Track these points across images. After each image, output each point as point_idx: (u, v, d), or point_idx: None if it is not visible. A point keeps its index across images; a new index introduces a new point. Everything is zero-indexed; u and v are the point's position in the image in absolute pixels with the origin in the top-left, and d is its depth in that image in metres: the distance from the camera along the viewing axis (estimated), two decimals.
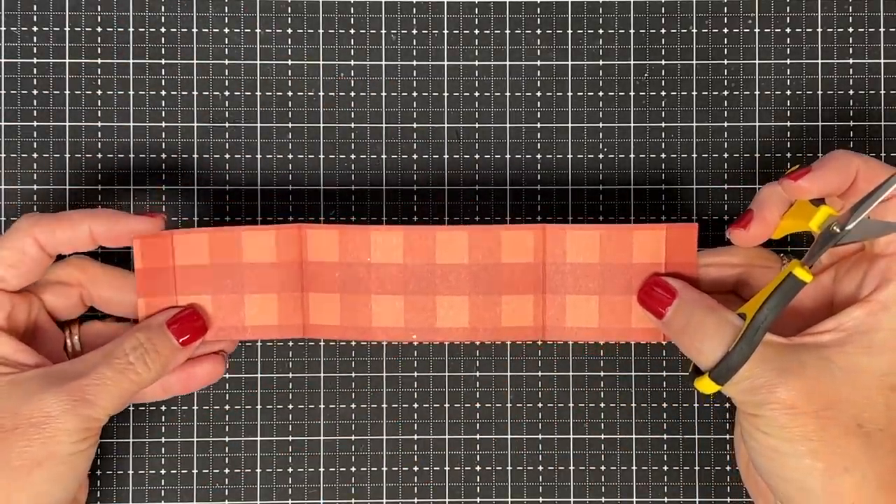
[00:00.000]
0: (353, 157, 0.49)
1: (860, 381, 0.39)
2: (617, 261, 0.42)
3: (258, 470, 0.49)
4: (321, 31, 0.49)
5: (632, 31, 0.49)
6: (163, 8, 0.49)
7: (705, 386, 0.40)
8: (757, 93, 0.49)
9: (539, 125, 0.49)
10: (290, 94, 0.49)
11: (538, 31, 0.49)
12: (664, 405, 0.49)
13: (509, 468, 0.49)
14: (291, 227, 0.42)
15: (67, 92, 0.49)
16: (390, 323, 0.42)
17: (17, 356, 0.41)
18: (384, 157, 0.49)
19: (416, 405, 0.49)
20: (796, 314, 0.43)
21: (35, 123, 0.49)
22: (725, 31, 0.49)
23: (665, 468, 0.49)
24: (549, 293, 0.42)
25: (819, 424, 0.38)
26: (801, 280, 0.39)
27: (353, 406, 0.49)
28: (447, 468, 0.49)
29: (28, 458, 0.38)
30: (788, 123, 0.49)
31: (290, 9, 0.49)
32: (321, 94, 0.49)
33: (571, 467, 0.49)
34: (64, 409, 0.39)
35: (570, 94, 0.49)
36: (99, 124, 0.49)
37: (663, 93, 0.49)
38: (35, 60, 0.49)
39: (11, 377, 0.40)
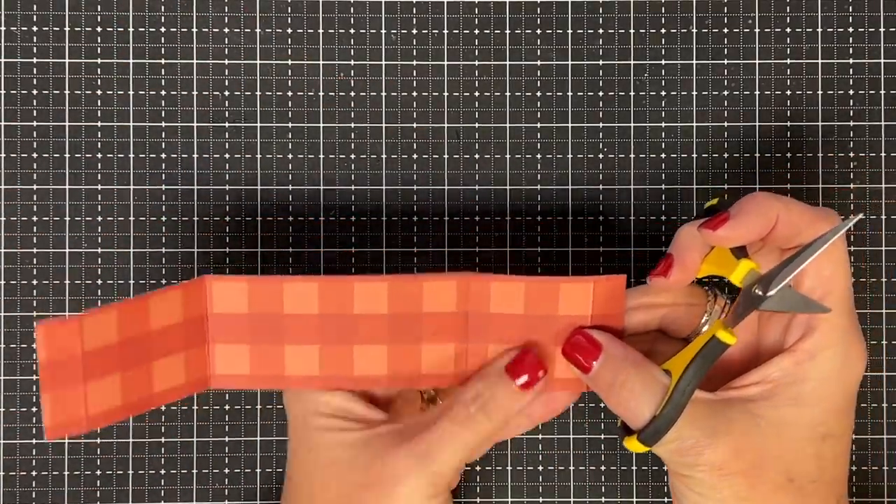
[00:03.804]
0: (353, 157, 0.49)
1: (789, 435, 0.39)
2: (542, 312, 0.41)
3: (258, 470, 0.49)
4: (321, 31, 0.49)
5: (632, 31, 0.49)
6: (163, 8, 0.49)
7: (634, 446, 0.39)
8: (757, 93, 0.49)
9: (539, 125, 0.49)
10: (290, 94, 0.49)
11: (538, 31, 0.49)
12: None
13: (509, 468, 0.49)
14: (197, 282, 0.40)
15: (67, 92, 0.49)
16: (304, 371, 0.41)
17: (369, 414, 0.41)
18: (384, 157, 0.49)
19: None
20: (723, 362, 0.42)
21: (35, 123, 0.49)
22: (725, 31, 0.49)
23: (665, 468, 0.49)
24: (472, 342, 0.41)
25: (749, 483, 0.38)
26: (725, 343, 0.38)
27: None
28: None
29: None
30: (788, 123, 0.49)
31: (290, 9, 0.49)
32: (321, 94, 0.49)
33: (571, 467, 0.49)
34: (409, 468, 0.39)
35: (570, 94, 0.49)
36: (99, 124, 0.49)
37: (663, 93, 0.49)
38: (35, 60, 0.49)
39: (365, 432, 0.40)
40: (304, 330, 0.40)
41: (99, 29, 0.49)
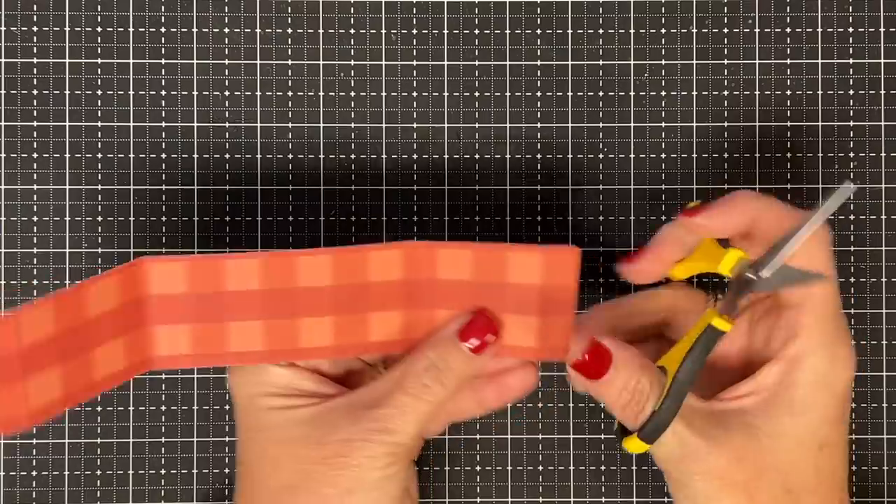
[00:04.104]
0: (353, 157, 0.49)
1: (786, 445, 0.39)
2: (490, 280, 0.40)
3: None
4: (321, 31, 0.49)
5: (632, 31, 0.49)
6: (163, 8, 0.49)
7: (635, 446, 0.39)
8: (757, 93, 0.49)
9: (539, 125, 0.49)
10: (290, 94, 0.49)
11: (538, 31, 0.49)
12: None
13: (509, 468, 0.49)
14: (133, 265, 0.39)
15: (67, 92, 0.49)
16: (248, 347, 0.40)
17: (319, 388, 0.41)
18: (384, 157, 0.49)
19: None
20: (719, 369, 0.42)
21: (35, 123, 0.49)
22: (725, 31, 0.49)
23: None
24: (419, 309, 0.41)
25: (748, 495, 0.38)
26: (721, 330, 0.38)
27: None
28: (447, 468, 0.49)
29: (339, 486, 0.38)
30: (788, 123, 0.49)
31: (290, 9, 0.49)
32: (321, 94, 0.49)
33: (571, 467, 0.49)
34: (365, 438, 0.38)
35: (570, 94, 0.49)
36: (99, 124, 0.49)
37: (663, 93, 0.49)
38: (35, 60, 0.49)
39: (315, 408, 0.40)
40: (246, 306, 0.40)
41: (99, 29, 0.49)
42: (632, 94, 0.49)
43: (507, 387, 0.42)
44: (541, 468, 0.49)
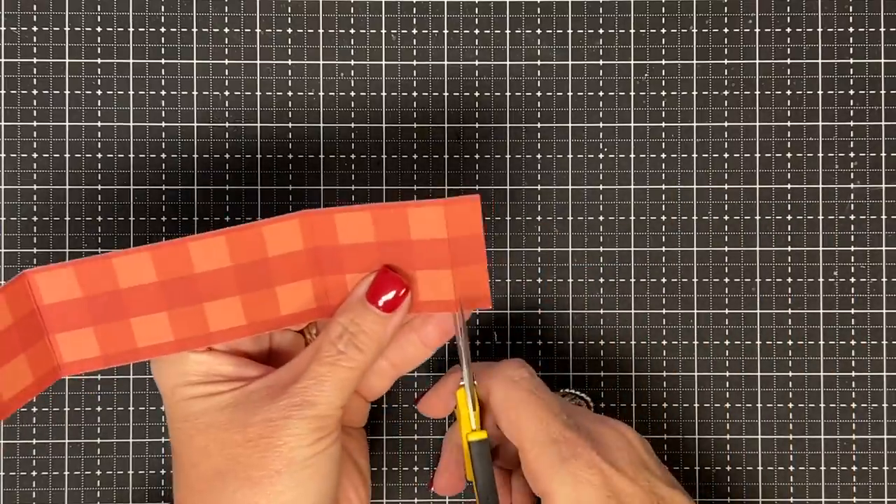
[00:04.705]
0: (352, 157, 0.49)
1: None
2: (395, 238, 0.39)
3: None
4: (321, 31, 0.49)
5: (632, 31, 0.49)
6: (163, 8, 0.49)
7: None
8: (757, 93, 0.49)
9: (539, 125, 0.49)
10: (290, 94, 0.49)
11: (538, 31, 0.49)
12: (664, 405, 0.49)
13: None
14: (18, 279, 0.39)
15: (67, 92, 0.49)
16: (157, 340, 0.40)
17: (241, 371, 0.40)
18: (384, 157, 0.49)
19: (415, 405, 0.49)
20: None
21: (35, 123, 0.49)
22: (725, 31, 0.49)
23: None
24: (328, 275, 0.40)
25: None
26: (481, 440, 0.41)
27: None
28: None
29: (266, 468, 0.38)
30: (788, 123, 0.49)
31: (290, 9, 0.49)
32: (321, 94, 0.49)
33: None
34: (287, 416, 0.38)
35: (570, 94, 0.49)
36: (99, 124, 0.49)
37: (663, 93, 0.49)
38: (35, 60, 0.49)
39: (236, 392, 0.39)
40: (146, 300, 0.39)
41: (99, 29, 0.49)
42: (632, 94, 0.49)
43: (446, 320, 0.42)
44: None
